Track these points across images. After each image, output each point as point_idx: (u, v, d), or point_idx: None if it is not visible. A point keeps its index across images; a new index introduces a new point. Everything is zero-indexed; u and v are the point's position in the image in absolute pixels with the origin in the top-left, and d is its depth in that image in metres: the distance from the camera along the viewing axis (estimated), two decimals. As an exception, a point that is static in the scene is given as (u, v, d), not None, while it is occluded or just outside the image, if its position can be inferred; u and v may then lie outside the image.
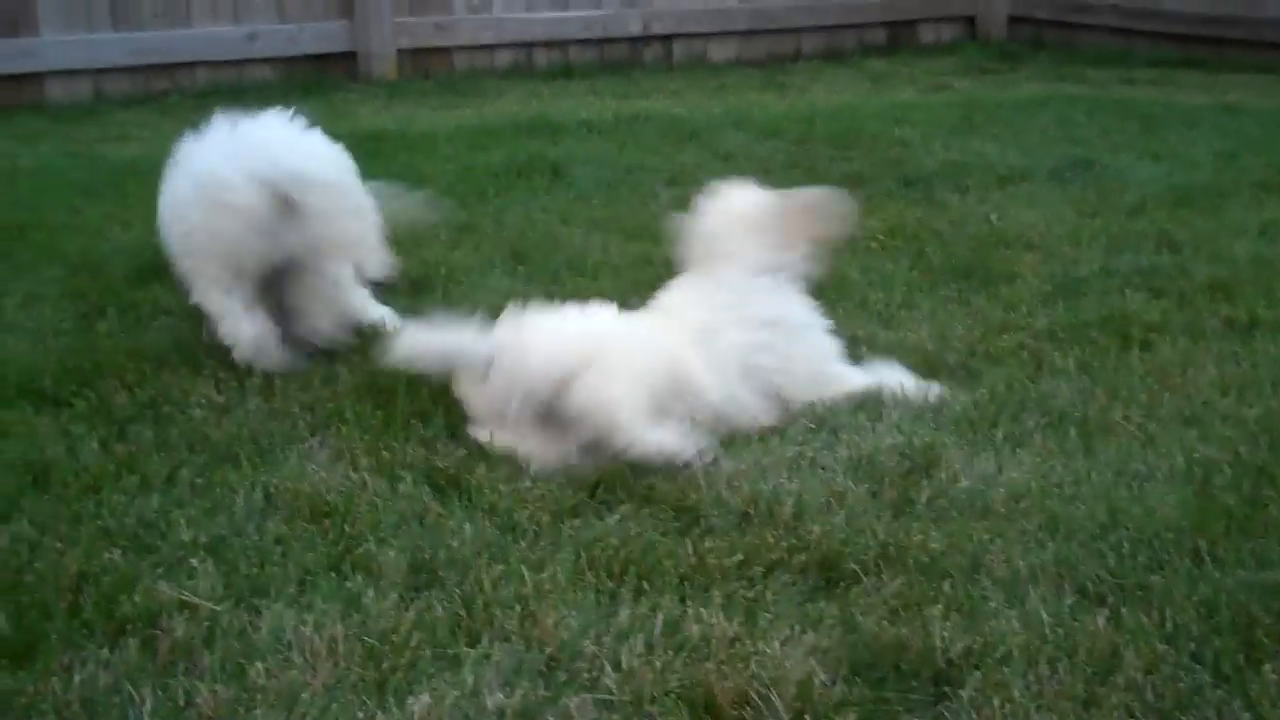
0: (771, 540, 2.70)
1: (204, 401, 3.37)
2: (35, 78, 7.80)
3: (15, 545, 2.66)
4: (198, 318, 3.75)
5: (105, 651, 2.35)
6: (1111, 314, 3.99)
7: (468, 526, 2.75)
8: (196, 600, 2.48)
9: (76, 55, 7.87)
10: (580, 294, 4.07)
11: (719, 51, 9.75)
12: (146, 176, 5.46)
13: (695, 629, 2.41)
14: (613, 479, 2.95)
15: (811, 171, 5.83)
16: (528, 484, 2.93)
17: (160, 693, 2.25)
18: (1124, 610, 2.48)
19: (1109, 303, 4.10)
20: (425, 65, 8.89)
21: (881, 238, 4.78)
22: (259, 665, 2.31)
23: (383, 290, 4.18)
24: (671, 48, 9.62)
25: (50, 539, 2.69)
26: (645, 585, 2.55)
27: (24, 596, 2.48)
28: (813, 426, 3.26)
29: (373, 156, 6.04)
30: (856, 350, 3.68)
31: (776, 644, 2.38)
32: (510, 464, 3.01)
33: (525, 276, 4.36)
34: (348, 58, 8.64)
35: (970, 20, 10.33)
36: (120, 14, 7.97)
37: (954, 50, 9.81)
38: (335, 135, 6.53)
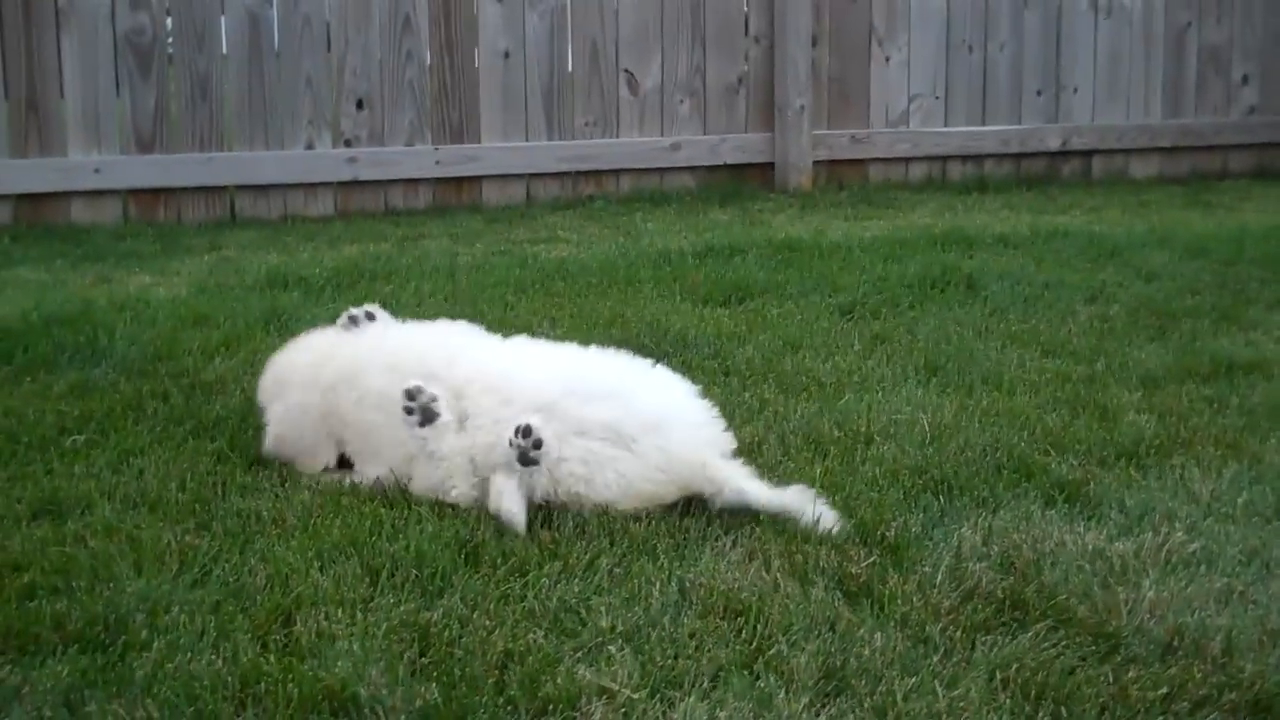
0: (1199, 676, 2.57)
1: (623, 494, 3.47)
2: (474, 180, 8.34)
3: (447, 620, 2.80)
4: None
5: (528, 729, 2.44)
6: None
7: (879, 636, 2.73)
8: (615, 687, 2.55)
9: (513, 161, 8.37)
10: (994, 410, 4.03)
11: (1141, 168, 9.50)
12: (574, 277, 5.72)
13: (1116, 761, 2.33)
14: (1025, 596, 2.88)
15: (1241, 294, 5.60)
16: (938, 596, 2.89)
17: (579, 773, 2.32)
18: None
19: None
20: (840, 177, 9.02)
21: (1318, 368, 4.53)
22: (672, 756, 2.35)
23: (792, 390, 4.25)
24: (1091, 163, 9.45)
25: (480, 616, 2.82)
26: (1063, 712, 2.47)
27: (455, 669, 2.61)
28: (1243, 559, 3.10)
29: (786, 265, 6.17)
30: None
31: (1205, 785, 2.27)
32: (921, 574, 2.99)
33: (938, 388, 4.33)
34: (765, 168, 8.86)
35: None
36: (555, 124, 8.43)
37: (1401, 169, 9.26)
38: (750, 243, 6.71)
